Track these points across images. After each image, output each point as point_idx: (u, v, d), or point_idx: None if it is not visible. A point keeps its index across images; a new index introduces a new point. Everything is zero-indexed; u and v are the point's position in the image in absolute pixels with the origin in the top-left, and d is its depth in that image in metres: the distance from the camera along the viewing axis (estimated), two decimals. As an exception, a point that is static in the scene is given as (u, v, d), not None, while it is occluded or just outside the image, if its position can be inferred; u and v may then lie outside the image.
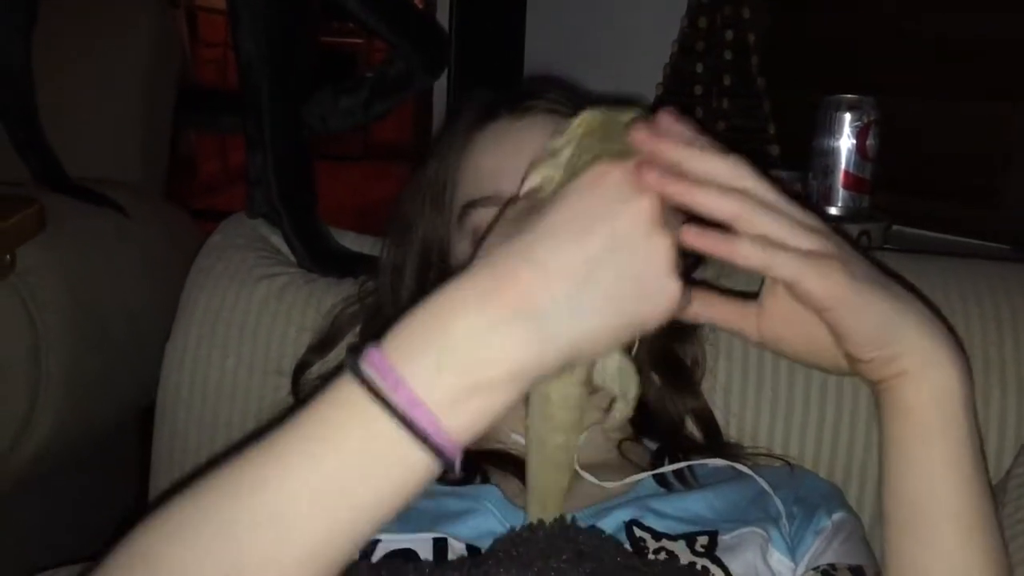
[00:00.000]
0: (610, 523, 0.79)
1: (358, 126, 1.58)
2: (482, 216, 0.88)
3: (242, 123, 1.37)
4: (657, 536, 0.77)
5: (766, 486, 0.85)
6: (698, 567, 0.74)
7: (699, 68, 1.70)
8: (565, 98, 0.94)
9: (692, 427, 1.01)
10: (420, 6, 2.38)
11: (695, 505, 0.83)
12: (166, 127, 2.13)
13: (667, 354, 1.00)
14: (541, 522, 0.71)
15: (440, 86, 2.35)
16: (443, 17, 2.27)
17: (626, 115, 0.65)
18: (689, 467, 0.89)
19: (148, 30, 2.03)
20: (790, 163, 1.66)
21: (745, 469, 0.88)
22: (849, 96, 1.56)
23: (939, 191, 1.74)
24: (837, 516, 0.86)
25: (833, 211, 1.57)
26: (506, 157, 0.88)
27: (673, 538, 0.77)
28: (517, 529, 0.73)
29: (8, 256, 1.13)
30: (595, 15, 1.96)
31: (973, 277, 1.11)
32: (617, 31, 1.92)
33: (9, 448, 1.28)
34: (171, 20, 2.51)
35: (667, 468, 0.88)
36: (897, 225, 1.73)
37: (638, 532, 0.78)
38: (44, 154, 1.59)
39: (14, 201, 1.19)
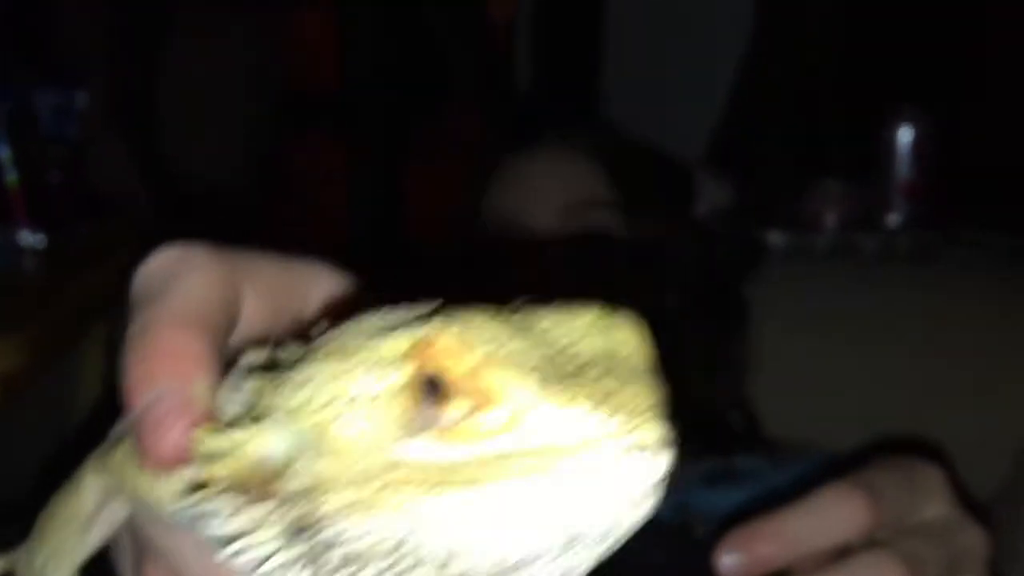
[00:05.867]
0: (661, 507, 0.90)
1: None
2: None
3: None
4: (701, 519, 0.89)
5: (782, 481, 0.95)
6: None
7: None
8: (575, 136, 1.10)
9: (736, 422, 1.10)
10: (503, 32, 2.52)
11: (735, 496, 0.94)
12: (268, 134, 2.31)
13: (715, 354, 1.09)
14: None
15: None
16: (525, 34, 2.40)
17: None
18: (731, 463, 0.99)
19: (251, 45, 2.19)
20: (862, 169, 1.73)
21: (763, 469, 0.98)
22: (905, 108, 1.63)
23: (998, 194, 1.80)
24: None
25: (892, 219, 1.64)
26: (516, 191, 1.06)
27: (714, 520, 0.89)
28: None
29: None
30: (666, 43, 2.07)
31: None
32: (686, 53, 2.02)
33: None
34: (272, 29, 2.66)
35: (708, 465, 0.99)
36: (961, 227, 1.79)
37: (685, 516, 0.89)
38: (163, 176, 1.76)
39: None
